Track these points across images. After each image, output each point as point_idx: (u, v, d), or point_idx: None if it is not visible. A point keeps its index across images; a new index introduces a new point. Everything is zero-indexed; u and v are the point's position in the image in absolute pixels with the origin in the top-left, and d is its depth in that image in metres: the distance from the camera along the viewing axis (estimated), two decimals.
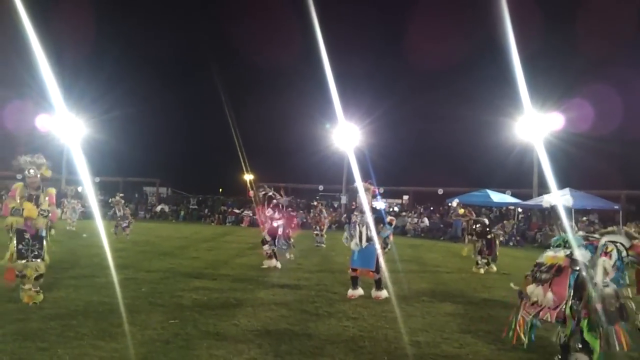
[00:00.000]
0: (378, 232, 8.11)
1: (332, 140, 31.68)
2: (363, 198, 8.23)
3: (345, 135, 29.89)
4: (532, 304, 4.97)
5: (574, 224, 21.11)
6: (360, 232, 8.12)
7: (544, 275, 4.89)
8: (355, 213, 8.37)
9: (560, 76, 28.70)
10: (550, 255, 5.09)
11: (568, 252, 4.90)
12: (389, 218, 8.56)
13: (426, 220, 27.57)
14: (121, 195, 18.33)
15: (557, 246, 5.18)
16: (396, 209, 34.92)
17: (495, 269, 12.25)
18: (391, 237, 8.64)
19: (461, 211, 12.94)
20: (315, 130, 32.79)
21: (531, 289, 5.01)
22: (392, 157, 32.40)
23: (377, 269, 8.07)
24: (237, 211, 31.55)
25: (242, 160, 30.27)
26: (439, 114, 36.80)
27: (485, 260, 12.18)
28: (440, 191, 32.27)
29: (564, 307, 4.68)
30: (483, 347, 5.63)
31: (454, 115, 34.89)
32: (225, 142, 33.08)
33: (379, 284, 8.12)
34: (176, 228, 24.24)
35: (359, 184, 8.59)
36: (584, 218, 22.15)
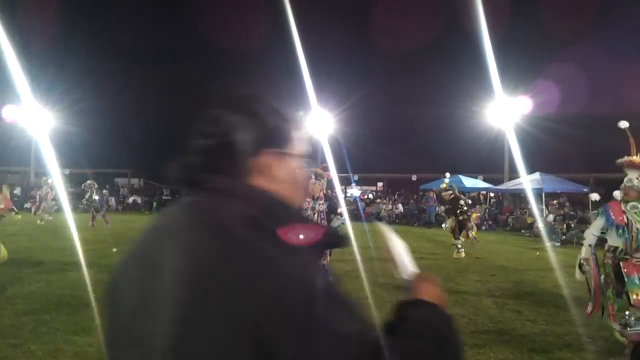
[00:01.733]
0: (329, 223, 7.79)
1: (305, 128, 31.64)
2: (327, 184, 8.02)
3: (319, 123, 29.88)
4: None
5: (544, 207, 21.66)
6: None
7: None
8: (307, 199, 7.88)
9: (528, 60, 29.23)
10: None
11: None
12: (339, 209, 8.17)
13: (400, 207, 27.82)
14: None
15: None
16: (371, 195, 35.16)
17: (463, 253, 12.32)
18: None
19: (444, 184, 13.16)
20: None
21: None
22: (366, 144, 32.49)
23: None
24: None
25: None
26: (412, 101, 37.09)
27: (458, 242, 12.31)
28: (414, 177, 32.57)
29: None
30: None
31: (427, 103, 35.18)
32: None
33: None
34: (149, 219, 23.91)
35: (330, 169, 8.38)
36: (554, 201, 22.63)
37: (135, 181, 40.51)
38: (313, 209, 7.77)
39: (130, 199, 33.42)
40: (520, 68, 26.37)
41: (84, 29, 40.43)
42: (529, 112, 25.26)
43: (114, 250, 7.95)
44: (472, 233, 12.67)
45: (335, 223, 8.00)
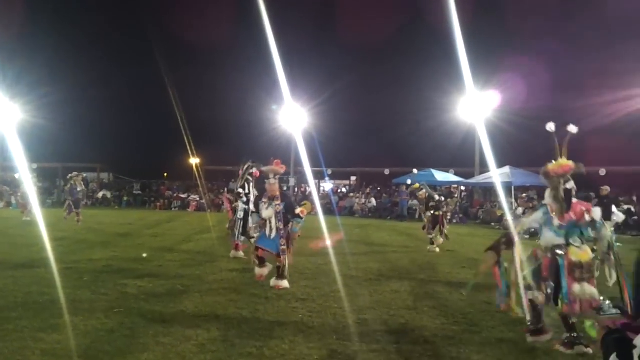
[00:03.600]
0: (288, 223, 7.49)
1: (279, 122, 31.49)
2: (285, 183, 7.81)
3: (292, 117, 29.79)
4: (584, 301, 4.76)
5: (513, 200, 22.05)
6: (265, 216, 7.39)
7: (585, 275, 4.77)
8: (264, 200, 7.53)
9: (497, 55, 29.65)
10: (579, 252, 4.86)
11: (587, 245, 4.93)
12: (298, 209, 7.58)
13: (373, 201, 28.00)
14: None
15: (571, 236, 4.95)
16: (344, 189, 35.27)
17: (441, 241, 12.53)
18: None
19: (416, 185, 13.26)
20: (262, 112, 32.52)
21: (577, 288, 4.76)
22: (339, 139, 32.58)
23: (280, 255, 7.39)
24: (182, 196, 31.01)
25: (187, 144, 29.67)
26: (385, 96, 37.32)
27: (432, 236, 12.47)
28: (387, 171, 32.76)
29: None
30: (428, 322, 5.81)
31: (400, 98, 35.46)
32: (169, 126, 32.25)
33: (281, 273, 7.38)
34: (119, 215, 23.60)
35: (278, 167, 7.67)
36: (524, 195, 23.06)
37: (104, 175, 39.77)
38: (271, 207, 7.38)
39: (100, 194, 32.82)
40: (490, 63, 26.77)
41: (51, 21, 39.48)
42: (499, 107, 25.63)
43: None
44: (446, 230, 12.82)
45: (295, 228, 7.59)
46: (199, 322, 5.52)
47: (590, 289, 4.66)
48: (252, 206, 8.02)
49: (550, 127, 5.06)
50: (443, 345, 4.99)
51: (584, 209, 4.89)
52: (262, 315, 5.91)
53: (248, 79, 36.76)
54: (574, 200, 4.94)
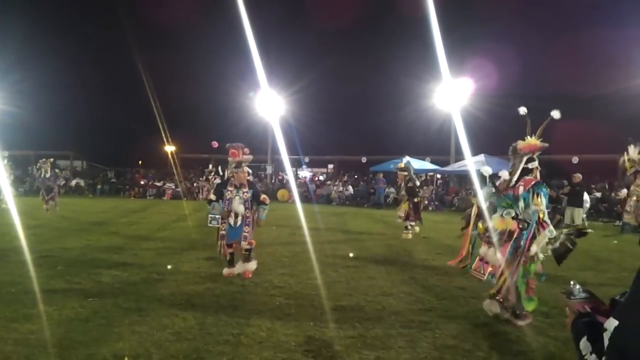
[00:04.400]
0: (256, 210, 7.39)
1: (256, 110, 31.25)
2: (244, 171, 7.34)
3: (269, 104, 29.60)
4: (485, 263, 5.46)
5: (492, 186, 22.37)
6: (236, 210, 7.18)
7: (495, 239, 5.24)
8: (229, 189, 7.30)
9: (472, 42, 29.88)
10: (500, 220, 5.35)
11: (512, 214, 5.29)
12: (262, 196, 7.47)
13: (351, 189, 28.10)
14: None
15: (503, 207, 5.42)
16: (322, 177, 35.31)
17: (417, 229, 12.68)
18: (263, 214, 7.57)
19: (401, 165, 13.29)
20: (239, 100, 32.22)
21: (484, 250, 5.43)
22: (317, 127, 32.52)
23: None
24: (158, 184, 30.67)
25: (162, 131, 29.29)
26: (362, 84, 37.35)
27: (412, 224, 12.59)
28: (364, 159, 32.88)
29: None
30: (403, 308, 5.87)
31: (377, 86, 35.59)
32: (143, 113, 31.77)
33: (247, 256, 7.31)
34: (93, 203, 23.25)
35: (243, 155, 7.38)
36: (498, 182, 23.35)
37: (78, 163, 39.07)
38: (239, 198, 7.23)
39: (73, 182, 32.23)
40: (466, 50, 26.98)
41: (22, 8, 38.39)
42: (474, 95, 25.86)
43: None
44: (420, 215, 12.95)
45: (262, 215, 7.47)
46: (175, 311, 5.49)
47: (493, 255, 5.26)
48: (212, 195, 7.46)
49: (523, 110, 5.36)
50: (419, 330, 5.05)
51: (522, 184, 5.23)
52: (239, 303, 5.90)
53: (224, 66, 36.51)
54: (527, 177, 5.27)
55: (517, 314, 5.32)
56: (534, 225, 5.13)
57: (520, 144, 5.32)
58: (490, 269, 5.42)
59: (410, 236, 12.30)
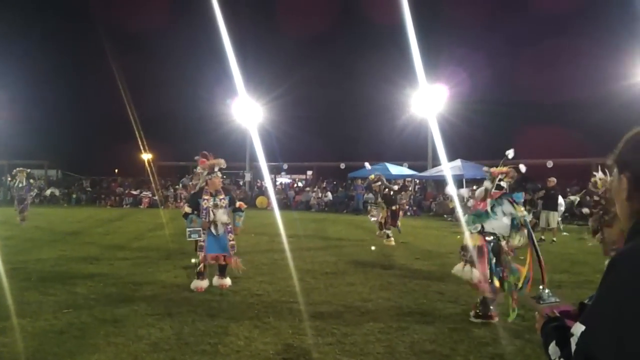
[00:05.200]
0: (230, 218, 7.20)
1: (233, 117, 31.08)
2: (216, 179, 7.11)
3: (247, 111, 29.48)
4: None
5: (470, 194, 22.51)
6: (215, 220, 7.00)
7: (469, 256, 5.60)
8: (205, 197, 7.06)
9: (448, 49, 30.29)
10: (472, 237, 5.71)
11: (478, 228, 5.67)
12: (238, 203, 7.34)
13: (329, 195, 28.12)
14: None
15: (472, 224, 5.81)
16: (300, 184, 35.28)
17: (392, 240, 12.67)
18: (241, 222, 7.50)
19: (373, 177, 13.34)
20: (216, 107, 32.05)
21: (459, 268, 5.73)
22: (295, 133, 32.51)
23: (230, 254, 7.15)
24: (134, 192, 30.29)
25: (138, 139, 28.96)
26: (341, 91, 37.45)
27: (389, 231, 12.61)
28: (343, 165, 32.95)
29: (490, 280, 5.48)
30: (382, 314, 5.89)
31: (355, 93, 35.74)
32: (120, 121, 31.38)
33: (223, 271, 7.15)
34: (68, 213, 22.84)
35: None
36: (475, 187, 23.58)
37: (52, 172, 38.38)
38: (215, 205, 7.05)
39: (48, 192, 31.66)
40: (441, 57, 27.30)
41: None
42: (449, 102, 26.17)
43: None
44: (399, 223, 13.02)
45: (238, 222, 7.30)
46: (152, 321, 5.42)
47: (470, 271, 5.52)
48: (186, 207, 7.18)
49: (510, 153, 5.97)
50: (397, 335, 5.07)
51: (489, 200, 5.71)
52: (216, 312, 5.85)
53: (201, 73, 36.35)
54: (494, 191, 5.78)
55: (484, 315, 5.56)
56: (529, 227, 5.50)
57: (492, 169, 5.93)
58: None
59: (392, 243, 12.30)
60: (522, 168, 5.87)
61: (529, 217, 5.77)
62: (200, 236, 6.94)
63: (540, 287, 1.63)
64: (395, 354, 4.58)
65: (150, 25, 39.32)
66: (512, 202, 5.60)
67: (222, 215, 7.03)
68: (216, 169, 7.16)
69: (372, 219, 13.22)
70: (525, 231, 5.46)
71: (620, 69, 21.08)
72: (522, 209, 5.63)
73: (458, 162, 22.91)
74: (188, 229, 6.96)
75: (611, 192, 1.35)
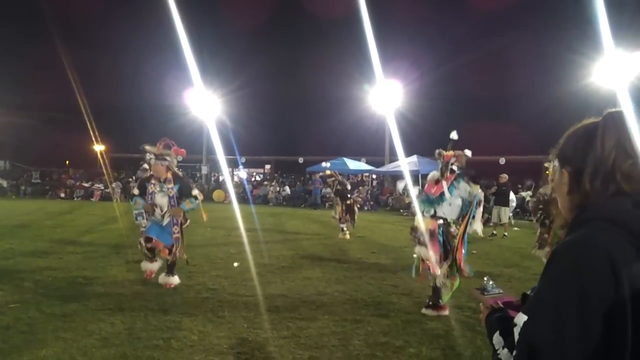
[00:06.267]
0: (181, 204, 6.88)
1: (189, 108, 30.56)
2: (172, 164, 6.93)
3: (204, 104, 29.04)
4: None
5: (420, 187, 22.95)
6: (161, 205, 6.86)
7: (421, 239, 5.79)
8: (153, 182, 6.91)
9: (407, 46, 30.67)
10: (423, 220, 5.91)
11: (431, 212, 5.88)
12: (194, 191, 7.05)
13: (287, 189, 28.08)
14: None
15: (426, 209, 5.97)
16: (258, 178, 35.10)
17: (348, 234, 12.77)
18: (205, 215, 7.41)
19: (328, 172, 13.48)
20: (171, 98, 31.45)
21: (417, 249, 5.89)
22: (253, 127, 32.26)
23: (171, 251, 6.83)
24: (86, 185, 29.43)
25: (90, 130, 28.06)
26: (299, 85, 37.41)
27: (344, 225, 12.72)
28: (301, 160, 32.98)
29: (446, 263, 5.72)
30: (338, 307, 5.93)
31: (314, 87, 35.69)
32: (71, 111, 30.31)
33: (171, 268, 6.82)
34: (16, 205, 22.00)
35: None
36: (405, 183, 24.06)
37: (0, 163, 36.89)
38: (160, 191, 6.88)
39: None
40: (399, 54, 27.61)
41: None
42: (406, 98, 26.54)
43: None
44: (355, 217, 13.15)
45: (187, 206, 6.89)
46: (102, 316, 5.29)
47: (426, 251, 5.72)
48: (135, 190, 7.15)
49: (454, 135, 6.14)
50: (352, 328, 5.12)
51: (444, 182, 5.90)
52: (169, 307, 5.75)
53: (155, 64, 35.43)
54: (448, 175, 5.94)
55: (435, 305, 5.72)
56: (475, 205, 5.84)
57: (445, 153, 6.04)
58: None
59: (348, 237, 12.42)
60: (468, 153, 6.07)
61: (481, 195, 6.04)
62: (144, 218, 6.96)
63: (485, 278, 1.67)
64: (350, 347, 4.62)
65: (104, 14, 38.24)
66: (469, 181, 5.92)
67: (160, 199, 6.86)
68: (151, 156, 6.89)
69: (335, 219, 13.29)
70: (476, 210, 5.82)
71: (575, 70, 21.75)
72: (478, 186, 5.96)
73: (414, 158, 23.26)
74: (134, 211, 7.10)
75: (553, 186, 1.39)
